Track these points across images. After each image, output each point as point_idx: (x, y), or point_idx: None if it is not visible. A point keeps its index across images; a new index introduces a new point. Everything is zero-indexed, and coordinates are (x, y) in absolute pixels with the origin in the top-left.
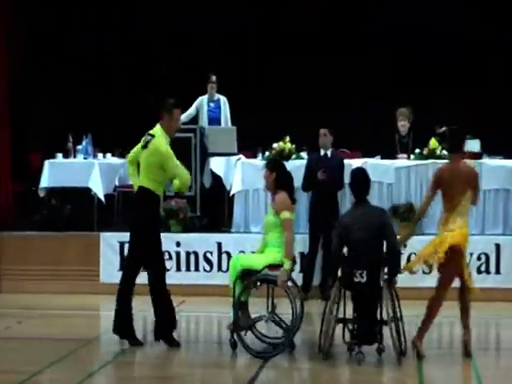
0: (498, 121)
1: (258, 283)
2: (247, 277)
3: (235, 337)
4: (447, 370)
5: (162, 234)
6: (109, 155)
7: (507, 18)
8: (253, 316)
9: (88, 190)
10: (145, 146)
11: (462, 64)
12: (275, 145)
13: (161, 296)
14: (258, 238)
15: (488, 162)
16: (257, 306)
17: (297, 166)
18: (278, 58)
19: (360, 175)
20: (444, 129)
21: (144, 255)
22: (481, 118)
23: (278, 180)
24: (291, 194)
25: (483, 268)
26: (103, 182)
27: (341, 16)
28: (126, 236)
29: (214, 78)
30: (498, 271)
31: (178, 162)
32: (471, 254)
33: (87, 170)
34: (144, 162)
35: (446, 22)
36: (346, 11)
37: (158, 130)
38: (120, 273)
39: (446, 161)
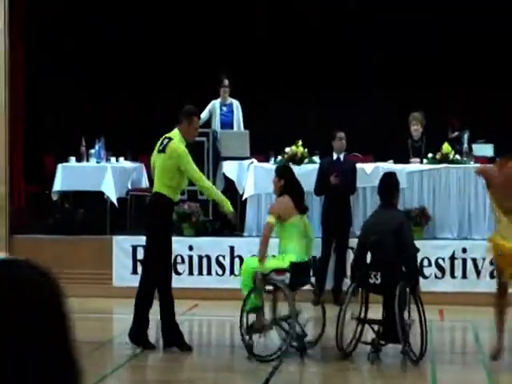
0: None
1: (267, 287)
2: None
3: (245, 339)
4: (460, 374)
5: (174, 238)
6: (121, 159)
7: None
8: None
9: (101, 193)
10: (162, 150)
11: (476, 64)
12: (287, 149)
13: (167, 301)
14: (271, 242)
15: None
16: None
17: (309, 171)
18: (290, 60)
19: (386, 179)
20: (456, 134)
21: (155, 259)
22: (494, 121)
23: (286, 186)
24: (299, 201)
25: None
26: (116, 185)
27: (348, 16)
28: (138, 240)
29: (226, 81)
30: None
31: (196, 168)
32: (483, 259)
33: (100, 174)
34: (160, 166)
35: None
36: (356, 11)
37: (175, 133)
38: (133, 276)
39: (459, 165)
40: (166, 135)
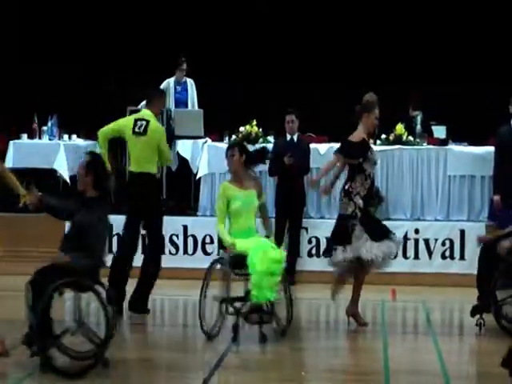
0: (463, 108)
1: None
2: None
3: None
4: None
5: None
6: (74, 136)
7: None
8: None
9: (53, 171)
10: (142, 133)
11: (426, 55)
12: (242, 128)
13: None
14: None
15: (454, 148)
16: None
17: None
18: (247, 40)
19: None
20: (417, 112)
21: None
22: (446, 104)
23: (246, 162)
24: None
25: (448, 253)
26: (69, 163)
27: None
28: None
29: (183, 60)
30: (462, 257)
31: None
32: (436, 240)
33: (52, 151)
34: (144, 147)
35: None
36: None
37: (149, 114)
38: None
39: (412, 147)
40: (137, 117)
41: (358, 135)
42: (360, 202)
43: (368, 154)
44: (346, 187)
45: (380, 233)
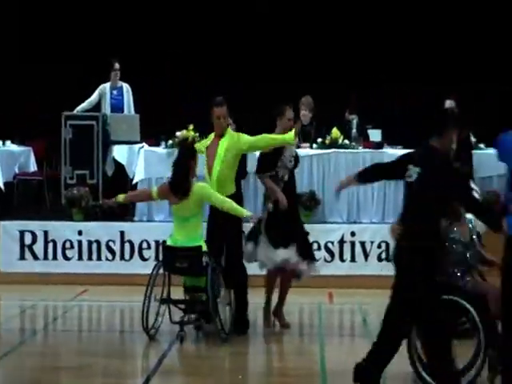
0: (398, 112)
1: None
2: None
3: None
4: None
5: (62, 223)
6: (8, 142)
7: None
8: None
9: None
10: None
11: (362, 56)
12: (178, 133)
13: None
14: (161, 227)
15: (389, 151)
16: None
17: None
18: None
19: None
20: (353, 116)
21: None
22: (382, 108)
23: None
24: None
25: (384, 256)
26: (3, 169)
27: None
28: (26, 224)
29: (117, 65)
30: None
31: None
32: (372, 242)
33: None
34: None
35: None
36: None
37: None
38: (20, 262)
39: (348, 150)
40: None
41: None
42: (270, 205)
43: (278, 163)
44: (264, 191)
45: (281, 239)
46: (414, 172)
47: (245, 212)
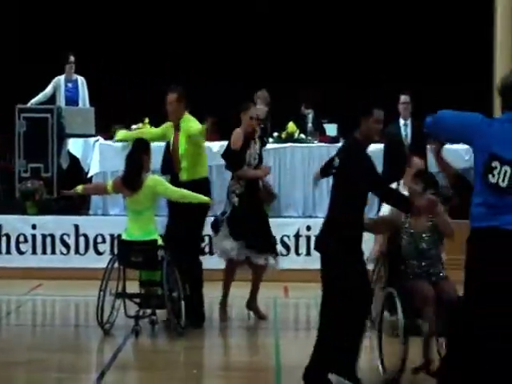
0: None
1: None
2: None
3: None
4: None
5: (16, 217)
6: None
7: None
8: None
9: None
10: None
11: (323, 51)
12: (134, 126)
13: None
14: (117, 221)
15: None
16: None
17: (156, 148)
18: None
19: None
20: (309, 111)
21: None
22: (338, 103)
23: None
24: None
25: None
26: None
27: None
28: None
29: (72, 57)
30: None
31: None
32: None
33: None
34: None
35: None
36: None
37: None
38: None
39: (304, 144)
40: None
41: (236, 138)
42: (235, 199)
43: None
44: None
45: (243, 233)
46: (336, 163)
47: (202, 198)
